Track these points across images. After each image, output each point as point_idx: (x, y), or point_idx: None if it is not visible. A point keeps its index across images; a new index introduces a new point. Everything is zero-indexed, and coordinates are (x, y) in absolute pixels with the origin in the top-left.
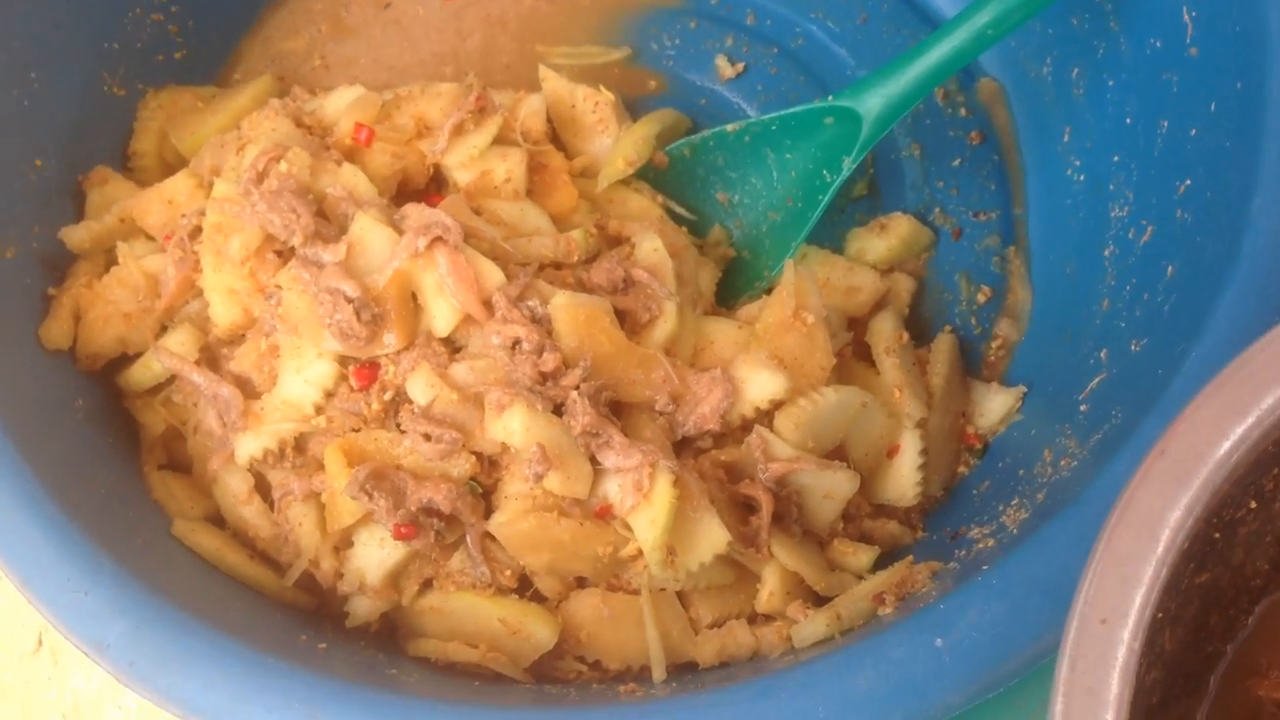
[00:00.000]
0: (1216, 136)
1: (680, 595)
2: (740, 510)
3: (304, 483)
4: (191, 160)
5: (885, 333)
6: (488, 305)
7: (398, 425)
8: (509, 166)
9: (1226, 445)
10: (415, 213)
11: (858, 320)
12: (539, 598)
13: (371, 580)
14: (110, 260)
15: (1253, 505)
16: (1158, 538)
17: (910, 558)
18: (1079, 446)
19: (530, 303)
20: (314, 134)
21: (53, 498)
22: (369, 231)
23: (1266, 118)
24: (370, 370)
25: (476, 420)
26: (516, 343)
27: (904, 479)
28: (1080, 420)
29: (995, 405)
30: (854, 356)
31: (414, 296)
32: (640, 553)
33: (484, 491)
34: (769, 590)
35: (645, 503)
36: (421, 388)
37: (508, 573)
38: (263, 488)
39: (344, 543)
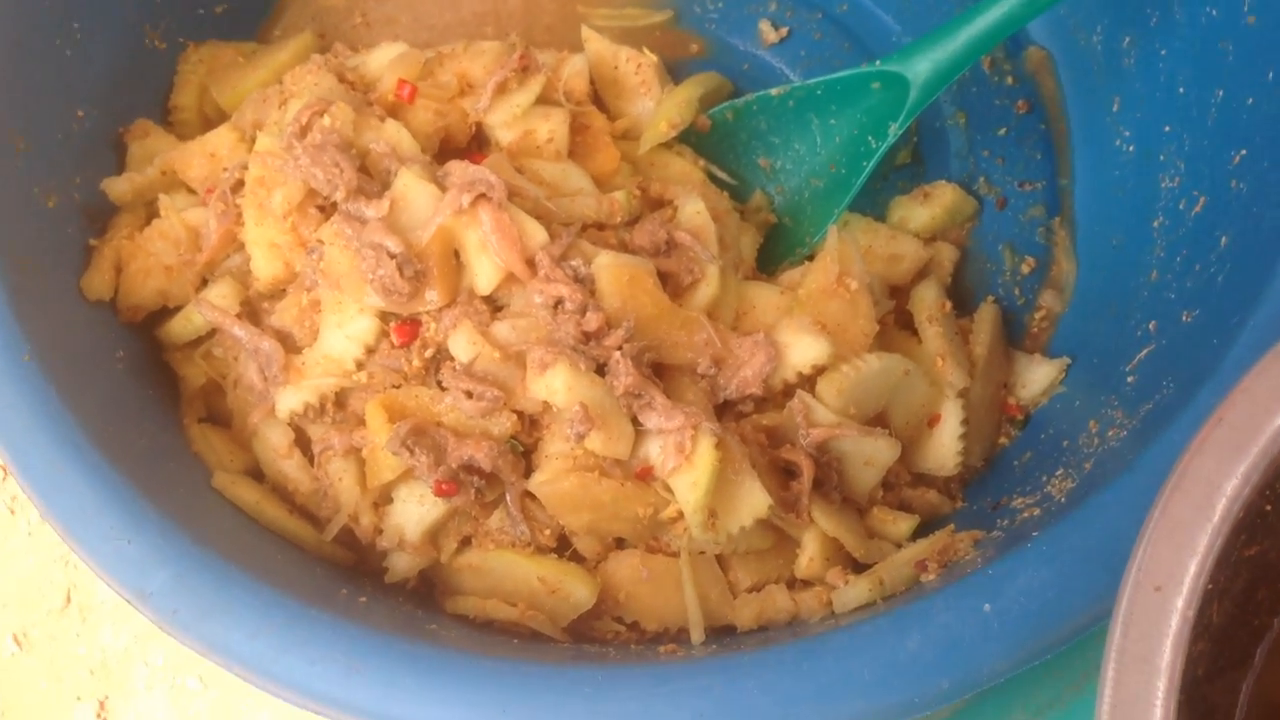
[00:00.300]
0: (1275, 105)
1: (719, 559)
2: (780, 475)
3: (344, 438)
4: (232, 115)
5: (928, 301)
6: (530, 264)
7: (438, 383)
8: (551, 127)
9: None
10: (459, 169)
11: (899, 289)
12: (577, 558)
13: (411, 537)
14: (151, 213)
15: None
16: (1214, 506)
17: (951, 526)
18: (1127, 417)
19: (573, 262)
20: (356, 90)
21: (95, 446)
22: (412, 188)
23: None
24: (411, 327)
25: (518, 379)
26: (559, 302)
27: (944, 448)
28: (1127, 391)
29: (1038, 377)
30: (895, 325)
31: (456, 254)
32: (680, 515)
33: (524, 450)
34: (808, 556)
35: (687, 465)
36: (463, 345)
37: (547, 532)
38: (302, 442)
39: (383, 499)
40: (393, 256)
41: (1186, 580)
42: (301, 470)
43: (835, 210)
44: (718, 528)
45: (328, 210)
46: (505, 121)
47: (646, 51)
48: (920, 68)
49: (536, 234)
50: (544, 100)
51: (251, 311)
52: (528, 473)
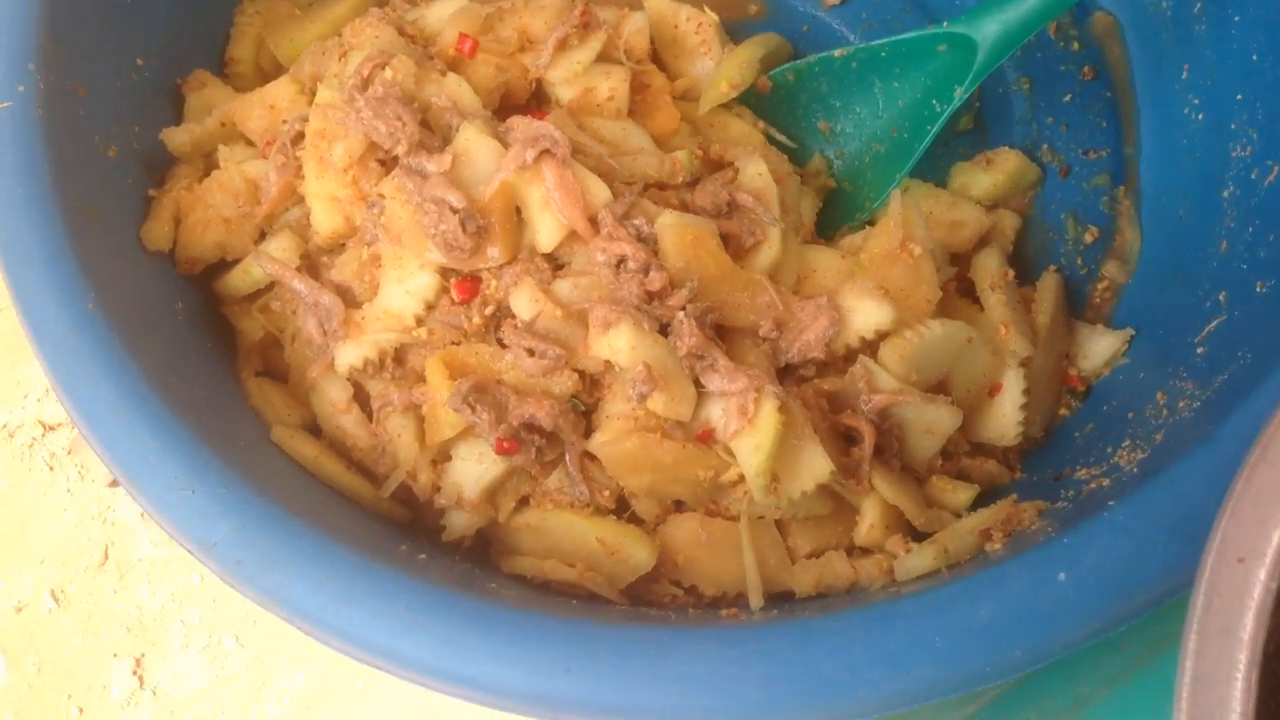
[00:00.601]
0: None
1: (778, 524)
2: (840, 441)
3: (404, 394)
4: (289, 68)
5: (990, 269)
6: (593, 222)
7: (499, 340)
8: (612, 85)
9: None
10: (522, 125)
11: (960, 256)
12: (636, 520)
13: (469, 495)
14: (209, 164)
15: None
16: None
17: (1014, 496)
18: (1199, 389)
19: (636, 221)
20: (416, 43)
21: (158, 396)
22: (474, 143)
23: None
24: (472, 283)
25: (579, 338)
26: (621, 261)
27: (1005, 418)
28: (1198, 363)
29: (1100, 348)
30: (956, 293)
31: (517, 210)
32: (740, 478)
33: (585, 410)
34: (869, 523)
35: (750, 428)
36: (525, 303)
37: (606, 493)
38: (360, 398)
39: (441, 456)
40: (455, 212)
41: (1270, 551)
42: (360, 426)
43: (897, 175)
44: (779, 492)
45: (388, 164)
46: (566, 78)
47: (707, 10)
48: (989, 29)
49: (600, 192)
50: (604, 58)
51: (310, 265)
52: (587, 433)
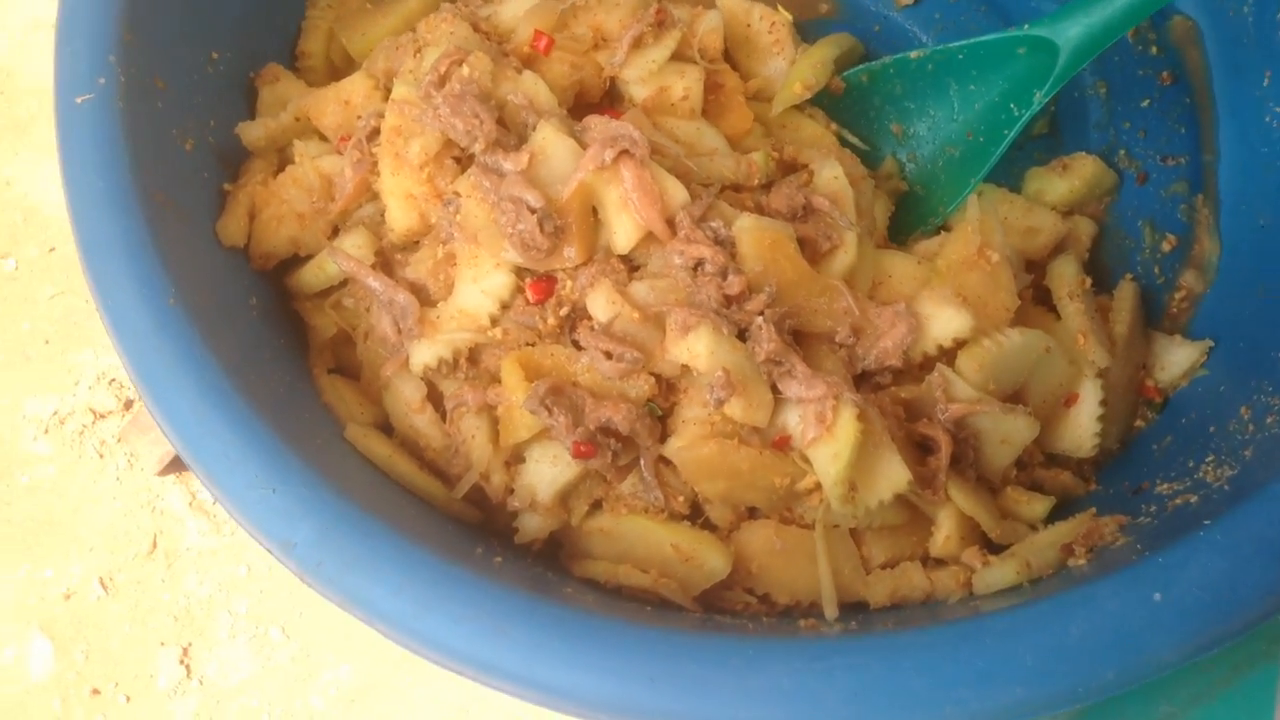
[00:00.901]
0: None
1: (852, 533)
2: (915, 450)
3: (478, 394)
4: (362, 62)
5: (1068, 277)
6: (671, 224)
7: (573, 341)
8: (686, 84)
9: None
10: (600, 125)
11: (1035, 263)
12: (709, 526)
13: (543, 498)
14: (282, 158)
15: None
16: None
17: (1093, 510)
18: None
19: (713, 224)
20: (491, 40)
21: (239, 393)
22: (552, 142)
23: None
24: (547, 284)
25: (656, 341)
26: (699, 264)
27: (1082, 429)
28: None
29: (1178, 359)
30: (1032, 300)
31: (594, 211)
32: (816, 486)
33: (661, 415)
34: (944, 534)
35: (828, 436)
36: (602, 305)
37: (680, 498)
38: (432, 397)
39: (515, 458)
40: (533, 211)
41: None
42: (433, 426)
43: (972, 180)
44: (856, 501)
45: (463, 162)
46: (640, 77)
47: (781, 9)
48: (1071, 33)
49: (677, 193)
50: (678, 56)
51: (385, 263)
52: (662, 437)
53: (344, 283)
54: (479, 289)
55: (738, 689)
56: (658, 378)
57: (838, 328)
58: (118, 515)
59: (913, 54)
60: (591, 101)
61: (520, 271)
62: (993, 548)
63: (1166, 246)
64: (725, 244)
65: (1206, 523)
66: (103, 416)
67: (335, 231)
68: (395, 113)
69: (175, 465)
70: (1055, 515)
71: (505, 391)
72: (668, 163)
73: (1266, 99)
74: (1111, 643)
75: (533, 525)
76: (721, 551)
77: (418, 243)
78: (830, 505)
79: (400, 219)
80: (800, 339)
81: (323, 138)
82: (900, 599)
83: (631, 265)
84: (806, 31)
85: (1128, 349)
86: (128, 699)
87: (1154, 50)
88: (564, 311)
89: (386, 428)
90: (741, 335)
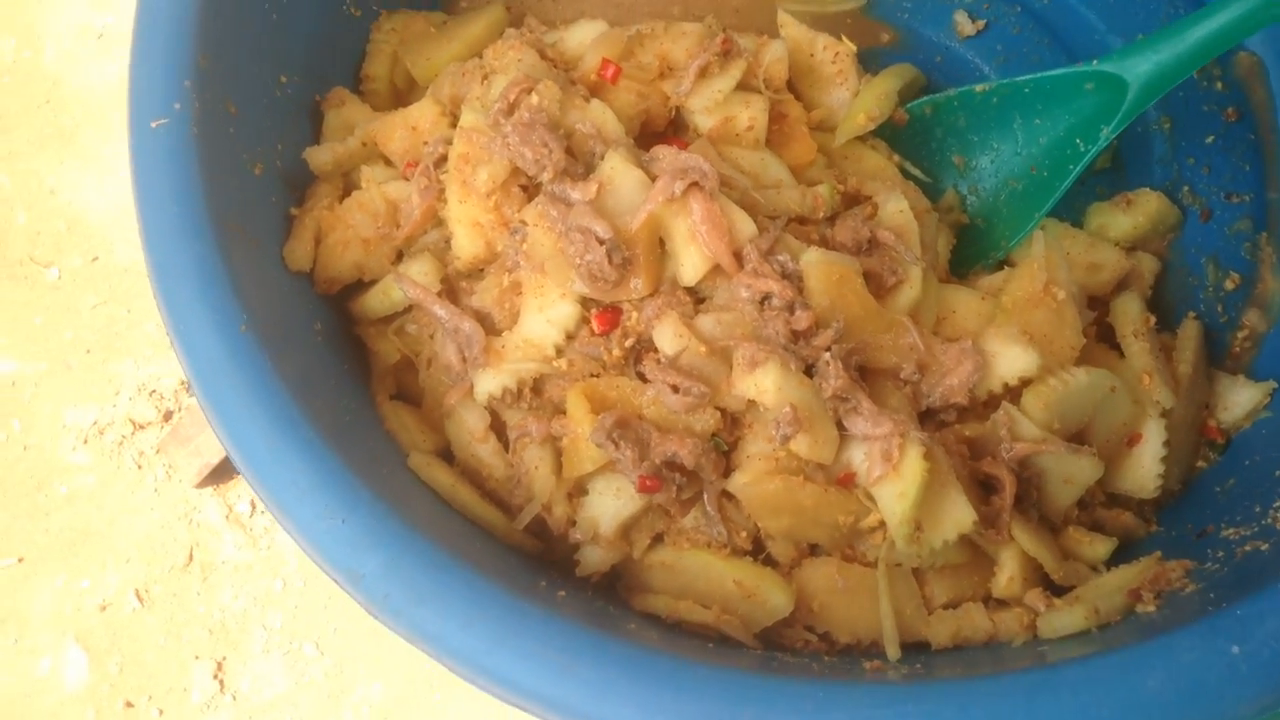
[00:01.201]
0: None
1: (914, 572)
2: (978, 489)
3: (542, 425)
4: (427, 86)
5: (1132, 315)
6: (738, 257)
7: (638, 373)
8: (752, 114)
9: None
10: (668, 156)
11: (1097, 299)
12: (770, 561)
13: (605, 530)
14: (347, 182)
15: None
16: None
17: (1159, 553)
18: None
19: (780, 257)
20: (557, 67)
21: (308, 422)
22: (620, 171)
23: None
24: (613, 315)
25: (722, 374)
26: (766, 298)
27: (1145, 470)
28: None
29: (1241, 399)
30: (1095, 337)
31: (660, 242)
32: (880, 524)
33: (725, 450)
34: (1008, 575)
35: (894, 474)
36: (669, 337)
37: (743, 534)
38: (494, 426)
39: (577, 490)
40: (601, 242)
41: None
42: (496, 455)
43: (1036, 215)
44: (922, 541)
45: (530, 190)
46: (706, 107)
47: (845, 40)
48: (1140, 69)
49: (745, 227)
50: (743, 86)
51: (450, 290)
52: (726, 472)
53: (407, 309)
54: (545, 318)
55: None
56: (722, 411)
57: (903, 364)
58: (155, 527)
59: (978, 87)
60: (656, 130)
61: (586, 302)
62: (1055, 589)
63: (1230, 285)
64: (792, 278)
65: None
66: (142, 428)
67: (399, 257)
68: (463, 140)
69: (213, 478)
70: (1117, 557)
71: (571, 423)
72: (735, 195)
73: None
74: (1189, 697)
75: (594, 558)
76: (784, 589)
77: (482, 270)
78: (894, 544)
79: (467, 247)
80: (865, 375)
81: (388, 162)
82: (963, 640)
83: (697, 298)
84: (867, 61)
85: (1191, 389)
86: (161, 713)
87: (1219, 86)
88: (629, 343)
89: (447, 455)
90: (808, 371)
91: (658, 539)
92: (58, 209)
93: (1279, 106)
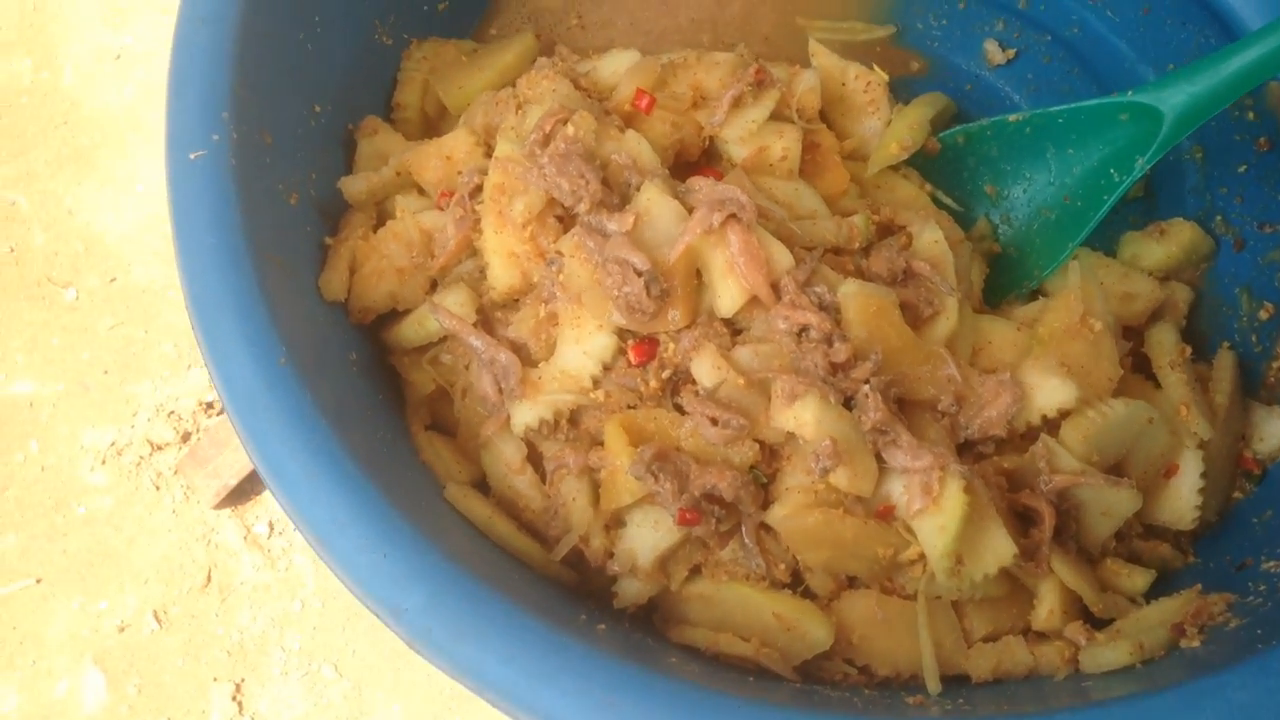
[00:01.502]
0: None
1: (953, 605)
2: (1017, 521)
3: (579, 457)
4: (459, 115)
5: (1167, 345)
6: (775, 288)
7: (676, 405)
8: (785, 144)
9: None
10: (705, 187)
11: (1131, 329)
12: (809, 594)
13: (643, 563)
14: (380, 211)
15: None
16: None
17: (1199, 586)
18: None
19: (817, 289)
20: (591, 97)
21: (348, 455)
22: (656, 203)
23: None
24: (649, 346)
25: (760, 407)
26: (803, 329)
27: (1182, 501)
28: None
29: (1276, 430)
30: (1130, 368)
31: (697, 273)
32: (920, 557)
33: (764, 482)
34: (1047, 608)
35: (934, 507)
36: (708, 370)
37: (782, 566)
38: (530, 458)
39: (615, 522)
40: (639, 274)
41: None
42: (533, 487)
43: (1069, 244)
44: (962, 575)
45: (565, 220)
46: (740, 137)
47: (877, 69)
48: (1175, 100)
49: (783, 258)
50: (776, 116)
51: (485, 320)
52: (764, 504)
53: (442, 339)
54: (581, 350)
55: None
56: (760, 443)
57: (941, 396)
58: (173, 548)
59: (1011, 117)
60: (690, 160)
61: (622, 333)
62: (1094, 620)
63: (1264, 314)
64: (829, 309)
65: None
66: (160, 448)
67: (433, 286)
68: (499, 170)
69: (231, 499)
70: (1155, 588)
71: (609, 455)
72: (771, 226)
73: None
74: None
75: (632, 590)
76: (824, 622)
77: (517, 301)
78: (934, 577)
79: (503, 277)
80: (903, 407)
81: (421, 192)
82: (1003, 673)
83: (734, 329)
84: (898, 90)
85: (1227, 419)
86: None
87: (1250, 115)
88: (666, 374)
89: (482, 485)
90: (847, 403)
91: (695, 571)
92: (75, 230)
93: None
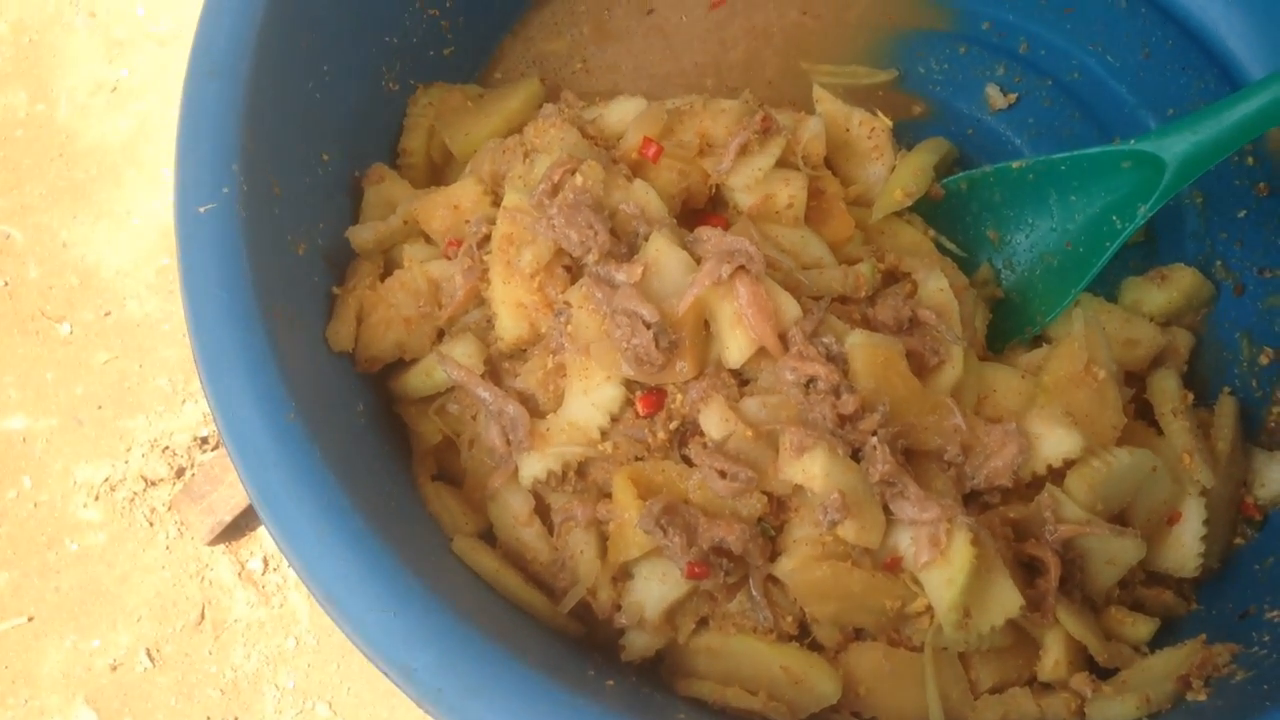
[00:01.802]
0: None
1: (960, 656)
2: (1022, 570)
3: (587, 509)
4: (466, 162)
5: (1169, 392)
6: (783, 339)
7: (683, 456)
8: (791, 192)
9: None
10: (714, 238)
11: (1133, 375)
12: (815, 646)
13: (650, 615)
14: (388, 260)
15: None
16: None
17: (1203, 636)
18: None
19: (825, 339)
20: (598, 145)
21: (358, 511)
22: (665, 253)
23: None
24: (657, 397)
25: (768, 459)
26: (811, 381)
27: (1185, 548)
28: None
29: (1278, 476)
30: (1133, 414)
31: (705, 324)
32: (927, 609)
33: (772, 535)
34: (1053, 659)
35: (942, 560)
36: (716, 422)
37: (789, 618)
38: (538, 509)
39: (622, 574)
40: (648, 326)
41: None
42: (540, 539)
43: (1072, 291)
44: (970, 627)
45: (574, 271)
46: (746, 185)
47: (880, 115)
48: (1178, 149)
49: (790, 309)
50: (781, 163)
51: (492, 371)
52: (772, 556)
53: (449, 388)
54: (589, 401)
55: None
56: (768, 495)
57: (947, 446)
58: (166, 585)
59: (1014, 164)
60: (696, 207)
61: (629, 384)
62: (1099, 670)
63: (1264, 360)
64: (837, 360)
65: None
66: (154, 484)
67: (439, 335)
68: (507, 220)
69: (225, 535)
70: (1159, 636)
71: (617, 508)
72: (779, 276)
73: None
74: None
75: (640, 643)
76: (832, 675)
77: (525, 351)
78: (941, 628)
79: (511, 328)
80: (909, 457)
81: (428, 240)
82: None
83: (741, 379)
84: (900, 133)
85: (1229, 466)
86: None
87: (1250, 161)
88: (674, 425)
89: (488, 535)
90: (854, 455)
91: (702, 623)
92: (70, 263)
93: None
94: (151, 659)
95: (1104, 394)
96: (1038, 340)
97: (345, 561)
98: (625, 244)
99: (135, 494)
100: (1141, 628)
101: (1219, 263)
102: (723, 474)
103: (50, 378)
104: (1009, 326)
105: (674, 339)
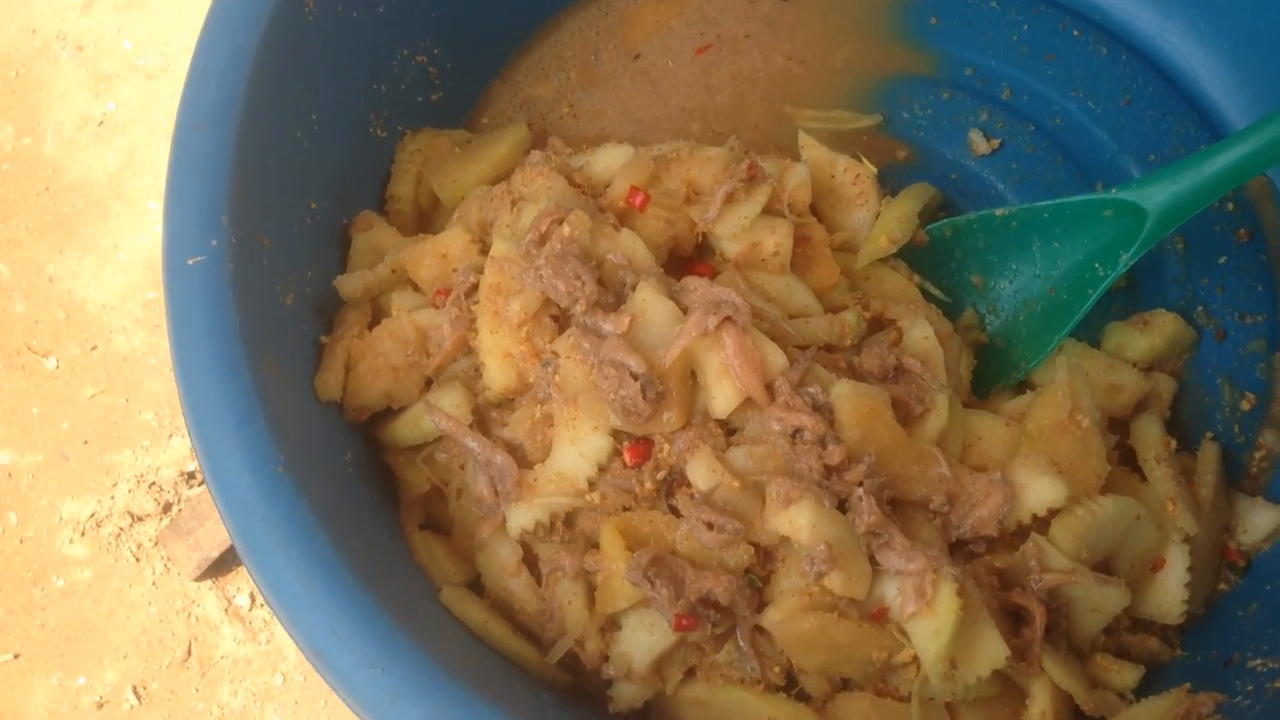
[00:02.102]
0: None
1: (947, 706)
2: (1008, 619)
3: (574, 560)
4: (453, 209)
5: (1153, 439)
6: (770, 389)
7: (670, 506)
8: (777, 239)
9: None
10: (701, 289)
11: (1116, 421)
12: (802, 696)
13: (639, 666)
14: (375, 309)
15: None
16: None
17: (1188, 685)
18: None
19: (810, 389)
20: (585, 193)
21: (346, 566)
22: (652, 304)
23: None
24: (645, 447)
25: (755, 509)
26: (797, 431)
27: (1169, 595)
28: None
29: (1260, 521)
30: (1116, 460)
31: (692, 374)
32: (913, 659)
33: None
34: (1039, 708)
35: (928, 611)
36: (703, 472)
37: (777, 669)
38: (526, 559)
39: (610, 625)
40: (635, 377)
41: None
42: (528, 590)
43: (1055, 337)
44: (956, 678)
45: (561, 320)
46: (733, 233)
47: (865, 161)
48: (1159, 198)
49: (777, 359)
50: (767, 210)
51: (480, 420)
52: (759, 606)
53: (437, 437)
54: (577, 451)
55: None
56: (755, 546)
57: (933, 495)
58: (153, 621)
59: (998, 211)
60: (683, 255)
61: (617, 434)
62: (1085, 718)
63: (1246, 405)
64: (823, 410)
65: None
66: (140, 519)
67: (427, 384)
68: (495, 270)
69: (212, 570)
70: (1144, 682)
71: (605, 559)
72: (765, 326)
73: None
74: None
75: (628, 694)
76: None
77: (512, 400)
78: (927, 679)
79: (498, 378)
80: (895, 507)
81: (417, 288)
82: None
83: (728, 429)
84: (884, 178)
85: (1212, 512)
86: None
87: (1230, 207)
88: (661, 475)
89: (476, 584)
90: (840, 505)
91: (690, 674)
92: (56, 297)
93: None
94: (138, 696)
95: (1088, 442)
96: (1022, 385)
97: (333, 616)
98: (612, 293)
99: (121, 530)
100: (1127, 675)
101: (1200, 308)
102: (710, 525)
103: (36, 412)
104: (994, 372)
105: (661, 389)
